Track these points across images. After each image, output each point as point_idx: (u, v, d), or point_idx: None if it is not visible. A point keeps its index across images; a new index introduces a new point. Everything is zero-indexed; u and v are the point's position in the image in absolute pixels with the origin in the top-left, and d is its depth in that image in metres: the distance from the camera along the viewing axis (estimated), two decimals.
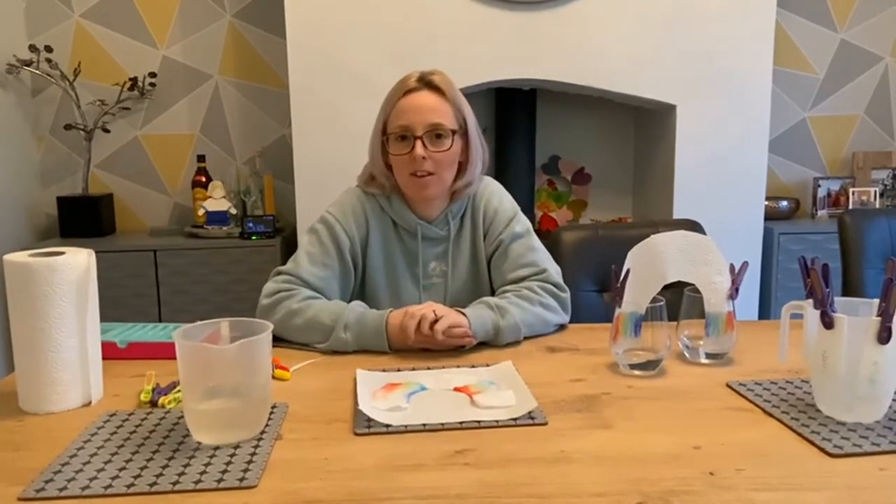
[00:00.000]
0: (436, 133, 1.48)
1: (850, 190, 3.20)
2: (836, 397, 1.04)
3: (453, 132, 1.50)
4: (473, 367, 1.29)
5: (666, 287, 1.31)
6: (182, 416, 1.04)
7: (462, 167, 1.55)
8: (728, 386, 1.19)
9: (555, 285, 1.53)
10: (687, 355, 1.33)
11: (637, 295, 1.26)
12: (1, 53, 2.87)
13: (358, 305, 1.44)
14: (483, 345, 1.40)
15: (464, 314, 1.38)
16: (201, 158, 3.04)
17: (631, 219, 3.28)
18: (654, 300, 1.25)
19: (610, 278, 1.30)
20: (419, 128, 1.47)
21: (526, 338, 1.45)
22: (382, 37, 2.66)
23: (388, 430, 1.02)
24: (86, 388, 1.13)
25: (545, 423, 1.04)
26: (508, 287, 1.52)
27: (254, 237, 2.84)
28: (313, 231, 1.55)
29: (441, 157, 1.49)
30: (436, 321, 1.33)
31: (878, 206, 3.19)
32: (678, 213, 2.81)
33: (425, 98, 1.49)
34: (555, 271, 1.56)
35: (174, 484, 0.87)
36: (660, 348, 1.24)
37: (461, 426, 1.03)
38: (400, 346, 1.37)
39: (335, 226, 1.54)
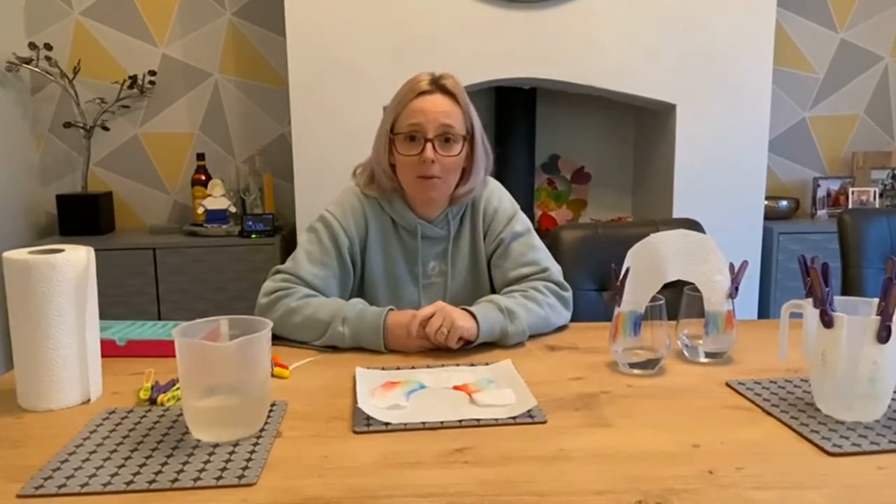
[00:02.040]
0: (446, 137, 1.48)
1: (850, 190, 3.20)
2: (835, 396, 1.04)
3: (463, 138, 1.50)
4: (473, 365, 1.29)
5: (665, 286, 1.31)
6: (181, 414, 1.04)
7: (464, 173, 1.55)
8: (727, 385, 1.19)
9: (558, 284, 1.53)
10: (686, 354, 1.33)
11: (636, 294, 1.26)
12: (0, 51, 2.87)
13: (358, 302, 1.44)
14: (483, 343, 1.39)
15: (472, 314, 1.37)
16: (201, 157, 3.04)
17: (630, 218, 3.28)
18: (653, 299, 1.25)
19: (609, 277, 1.30)
20: (430, 130, 1.47)
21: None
22: (382, 35, 2.66)
23: (387, 428, 1.02)
24: (85, 385, 1.13)
25: (544, 422, 1.04)
26: (514, 287, 1.51)
27: (253, 235, 2.84)
28: (312, 230, 1.55)
29: (449, 161, 1.49)
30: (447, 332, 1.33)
31: (877, 206, 3.19)
32: (678, 213, 2.81)
33: (438, 101, 1.48)
34: (556, 270, 1.56)
35: (173, 481, 0.87)
36: (659, 347, 1.24)
37: (460, 424, 1.03)
38: (396, 346, 1.37)
39: (334, 225, 1.53)
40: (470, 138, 1.52)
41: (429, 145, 1.46)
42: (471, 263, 1.60)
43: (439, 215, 1.58)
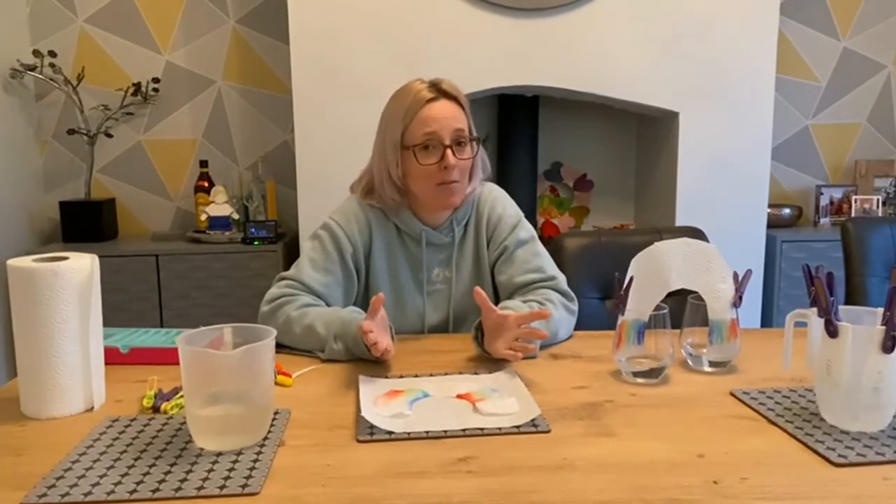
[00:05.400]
0: (459, 140, 1.49)
1: (853, 198, 3.20)
2: (840, 406, 1.03)
3: (471, 139, 1.51)
4: (476, 374, 1.28)
5: (669, 294, 1.30)
6: (184, 422, 1.04)
7: (469, 174, 1.55)
8: (732, 394, 1.18)
9: (565, 295, 1.53)
10: (690, 363, 1.32)
11: (640, 302, 1.26)
12: (5, 58, 2.88)
13: (348, 313, 1.42)
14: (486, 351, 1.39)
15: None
16: (204, 164, 3.05)
17: (633, 225, 3.28)
18: (657, 308, 1.24)
19: (612, 285, 1.30)
20: (446, 136, 1.47)
21: None
22: (386, 43, 2.67)
23: (390, 436, 1.02)
24: (88, 393, 1.13)
25: (548, 431, 1.04)
26: (530, 297, 1.50)
27: (256, 242, 2.84)
28: (316, 237, 1.55)
29: (465, 164, 1.50)
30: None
31: (880, 214, 3.19)
32: (680, 220, 2.81)
33: (446, 106, 1.48)
34: (562, 279, 1.56)
35: (176, 490, 0.87)
36: (663, 356, 1.24)
37: (464, 433, 1.03)
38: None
39: (338, 232, 1.53)
40: (475, 138, 1.53)
41: (448, 151, 1.46)
42: (475, 270, 1.60)
43: (444, 222, 1.58)
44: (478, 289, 1.34)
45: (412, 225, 1.56)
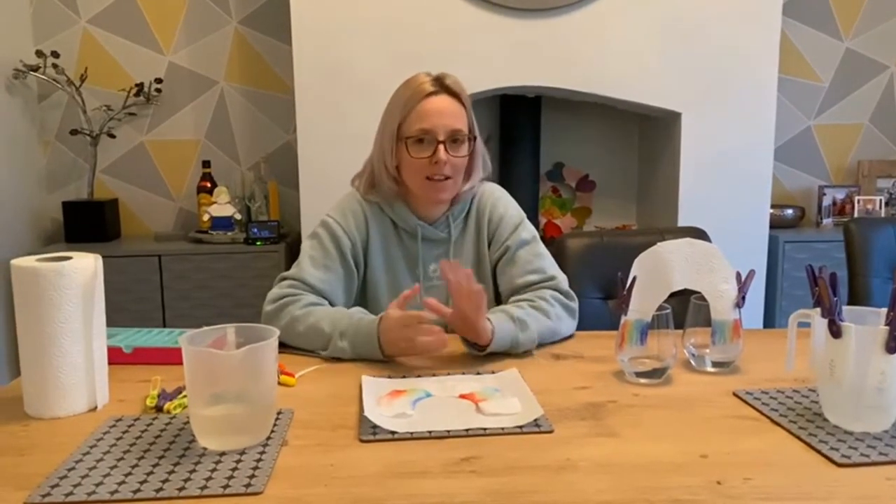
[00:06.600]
0: (455, 138, 1.49)
1: (856, 198, 3.19)
2: (843, 407, 1.03)
3: (468, 138, 1.51)
4: (479, 374, 1.28)
5: (672, 295, 1.30)
6: (187, 422, 1.04)
7: (467, 172, 1.55)
8: (735, 394, 1.18)
9: (564, 294, 1.53)
10: (693, 363, 1.32)
11: (643, 302, 1.26)
12: (8, 59, 2.88)
13: (357, 312, 1.43)
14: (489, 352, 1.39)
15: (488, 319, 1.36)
16: (206, 164, 3.05)
17: (635, 226, 3.28)
18: (659, 308, 1.24)
19: (615, 285, 1.30)
20: (441, 132, 1.47)
21: None
22: (388, 43, 2.67)
23: (393, 436, 1.02)
24: (91, 392, 1.13)
25: (551, 431, 1.04)
26: (522, 296, 1.51)
27: (258, 242, 2.84)
28: (315, 235, 1.56)
29: (458, 162, 1.50)
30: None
31: (883, 214, 3.18)
32: (682, 221, 2.81)
33: (445, 102, 1.49)
34: (562, 279, 1.56)
35: (180, 490, 0.87)
36: (666, 356, 1.24)
37: (467, 433, 1.03)
38: (393, 351, 1.34)
39: (336, 229, 1.54)
40: (474, 137, 1.53)
41: (441, 147, 1.47)
42: (474, 268, 1.59)
43: (440, 217, 1.58)
44: (427, 300, 1.34)
45: (408, 219, 1.56)
